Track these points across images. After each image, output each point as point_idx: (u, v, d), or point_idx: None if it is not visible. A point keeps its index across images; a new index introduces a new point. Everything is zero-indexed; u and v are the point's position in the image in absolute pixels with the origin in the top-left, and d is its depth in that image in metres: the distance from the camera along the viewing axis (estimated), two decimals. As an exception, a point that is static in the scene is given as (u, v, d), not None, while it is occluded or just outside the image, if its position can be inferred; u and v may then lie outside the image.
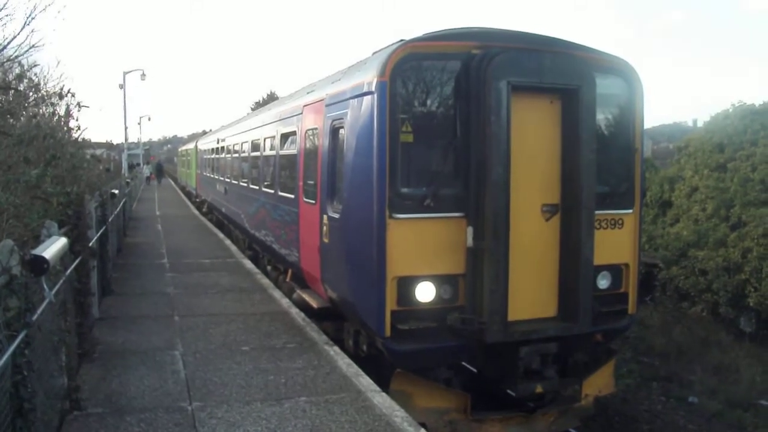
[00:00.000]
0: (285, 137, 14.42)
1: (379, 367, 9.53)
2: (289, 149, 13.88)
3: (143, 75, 59.13)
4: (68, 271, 8.04)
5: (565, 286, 9.29)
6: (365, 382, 8.69)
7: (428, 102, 9.12)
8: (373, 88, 8.83)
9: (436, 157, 9.12)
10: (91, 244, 10.52)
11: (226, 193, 24.00)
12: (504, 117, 8.57)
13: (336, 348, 10.18)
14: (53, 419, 6.74)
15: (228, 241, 22.95)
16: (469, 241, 8.80)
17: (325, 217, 10.61)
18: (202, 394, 8.19)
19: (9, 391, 4.93)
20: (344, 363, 9.45)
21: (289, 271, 14.15)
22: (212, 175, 29.30)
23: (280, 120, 15.03)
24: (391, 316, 8.76)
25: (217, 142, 27.52)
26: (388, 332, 8.75)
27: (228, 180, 23.41)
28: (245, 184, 19.31)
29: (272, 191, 15.21)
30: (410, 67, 8.85)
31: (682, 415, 13.44)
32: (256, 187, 17.34)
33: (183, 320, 11.85)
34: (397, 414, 7.60)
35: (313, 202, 11.36)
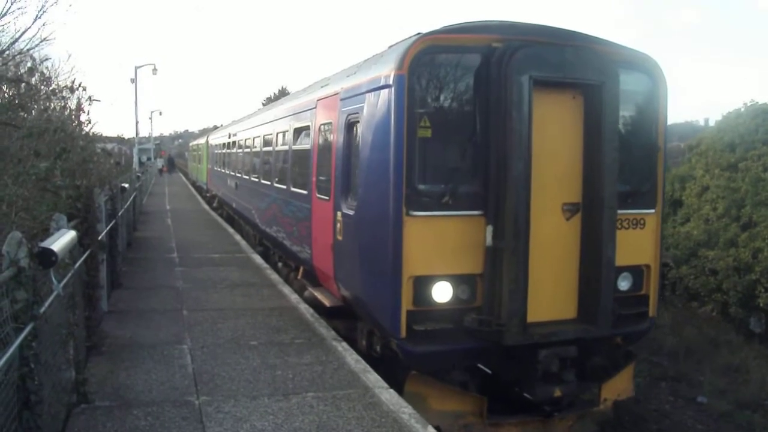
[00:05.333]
0: (298, 132, 14.14)
1: (392, 368, 9.26)
2: (302, 144, 13.58)
3: (155, 69, 59.54)
4: (77, 264, 8.05)
5: (585, 288, 9.02)
6: (373, 378, 8.67)
7: (447, 96, 8.84)
8: (391, 82, 8.59)
9: (454, 153, 8.87)
10: (100, 238, 10.55)
11: (237, 189, 23.79)
12: (525, 112, 8.32)
13: (344, 344, 10.17)
14: (60, 412, 6.76)
15: (238, 236, 22.96)
16: (489, 241, 8.53)
17: (338, 213, 10.34)
18: (209, 388, 8.20)
19: (16, 384, 4.95)
20: (352, 359, 9.44)
21: (301, 269, 13.86)
22: (223, 170, 29.09)
23: (292, 114, 14.76)
24: (406, 317, 8.52)
25: (229, 137, 27.32)
26: (403, 333, 8.50)
27: (239, 175, 23.16)
28: (256, 180, 19.09)
29: (284, 187, 14.92)
30: (429, 60, 8.59)
31: (691, 415, 13.36)
32: (268, 183, 17.03)
33: (191, 315, 11.86)
34: (405, 411, 7.59)
35: (327, 198, 11.08)
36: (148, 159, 71.77)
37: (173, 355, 9.53)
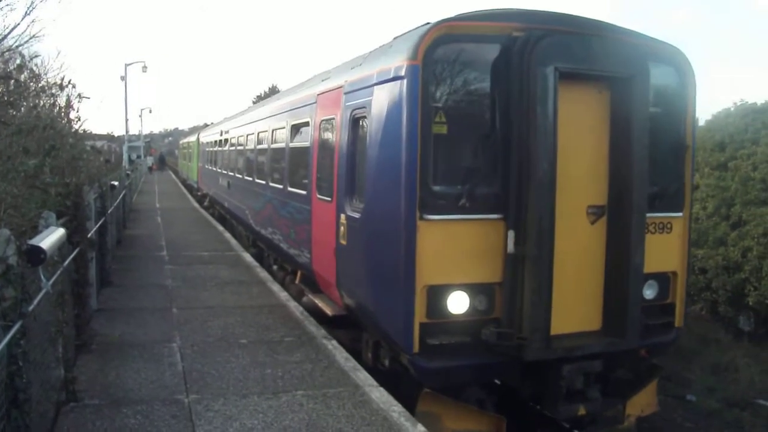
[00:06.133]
0: (296, 129, 13.49)
1: (401, 383, 8.71)
2: (301, 142, 12.89)
3: (145, 67, 59.48)
4: (66, 262, 8.02)
5: (611, 297, 8.44)
6: (363, 376, 8.67)
7: (464, 89, 8.10)
8: (403, 73, 7.90)
9: (472, 151, 8.16)
10: (89, 236, 10.51)
11: (229, 188, 23.34)
12: (551, 107, 7.70)
13: (334, 342, 10.16)
14: (49, 410, 6.73)
15: (227, 234, 22.94)
16: (510, 247, 7.87)
17: (342, 216, 9.65)
18: (199, 386, 8.19)
19: (4, 382, 4.93)
20: (342, 357, 9.44)
21: (299, 273, 13.28)
22: (215, 169, 28.68)
23: (290, 110, 14.08)
24: (419, 330, 7.87)
25: (221, 134, 26.93)
26: (416, 348, 7.84)
27: (232, 174, 22.66)
28: (250, 179, 18.50)
29: (281, 186, 14.24)
30: (445, 49, 7.87)
31: (680, 413, 13.41)
32: (263, 182, 16.38)
33: (181, 313, 11.84)
34: (395, 409, 7.60)
35: (329, 199, 10.40)
36: (138, 157, 71.71)
37: (163, 353, 9.50)
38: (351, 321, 10.26)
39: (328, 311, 10.72)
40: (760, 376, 15.47)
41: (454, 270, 7.97)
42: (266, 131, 16.61)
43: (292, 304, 12.53)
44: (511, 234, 7.88)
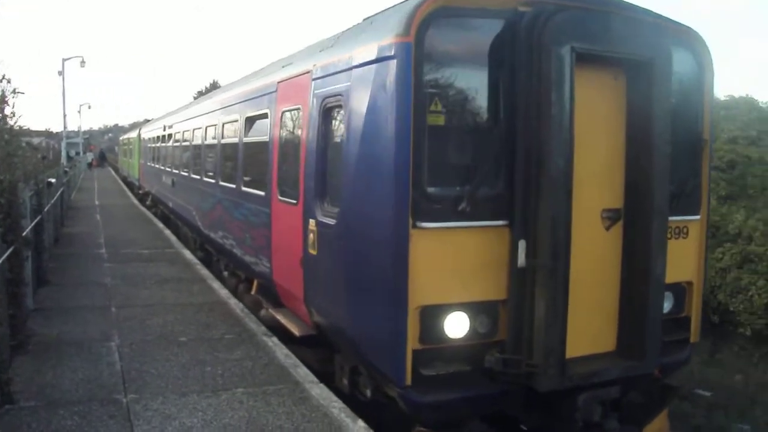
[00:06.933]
0: (251, 121, 12.06)
1: (384, 414, 7.73)
2: (258, 136, 11.53)
3: (83, 62, 58.51)
4: (-1, 261, 7.91)
5: (628, 313, 7.30)
6: (303, 373, 8.70)
7: (464, 73, 6.86)
8: (392, 52, 6.58)
9: (474, 145, 6.93)
10: (24, 234, 10.35)
11: (173, 186, 22.03)
12: (567, 94, 6.51)
13: (275, 339, 10.16)
14: (-17, 412, 6.64)
15: (168, 231, 22.75)
16: (522, 260, 6.66)
17: (311, 221, 8.35)
18: (137, 386, 8.13)
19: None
20: (282, 354, 9.46)
21: (255, 282, 11.88)
22: (157, 166, 27.44)
23: (244, 101, 12.57)
24: (412, 358, 6.61)
25: (164, 129, 25.82)
26: (408, 380, 6.58)
27: (176, 171, 21.35)
28: (198, 177, 16.93)
29: (233, 186, 12.80)
30: (441, 24, 6.61)
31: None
32: (212, 181, 14.94)
33: (120, 311, 11.72)
34: (335, 405, 7.64)
35: (294, 201, 9.07)
36: (77, 153, 70.72)
37: (101, 352, 9.40)
38: (320, 340, 9.02)
39: (296, 331, 9.32)
40: (699, 367, 15.92)
41: (453, 287, 6.77)
42: (216, 125, 15.15)
43: (233, 302, 12.49)
44: (521, 244, 6.69)
